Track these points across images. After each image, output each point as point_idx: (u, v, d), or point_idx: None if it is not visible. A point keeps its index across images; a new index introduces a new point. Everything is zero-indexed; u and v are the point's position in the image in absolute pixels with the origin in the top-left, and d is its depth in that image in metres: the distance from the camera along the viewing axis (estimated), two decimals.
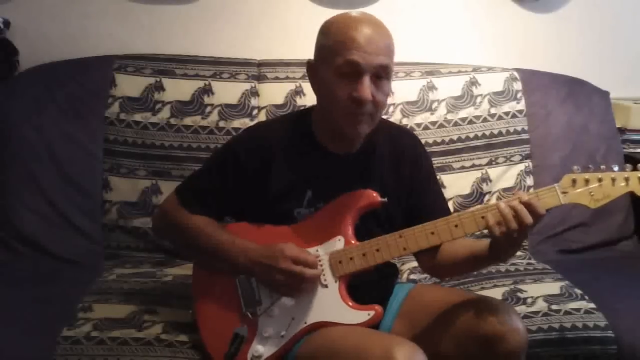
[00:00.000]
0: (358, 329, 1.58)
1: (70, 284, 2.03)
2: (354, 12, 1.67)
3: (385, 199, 1.65)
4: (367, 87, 1.57)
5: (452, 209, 2.34)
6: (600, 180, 1.52)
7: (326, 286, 1.63)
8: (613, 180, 1.52)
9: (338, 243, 1.64)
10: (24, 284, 2.02)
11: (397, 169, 1.76)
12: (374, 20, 1.63)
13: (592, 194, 1.52)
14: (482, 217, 1.54)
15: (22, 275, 2.09)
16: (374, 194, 1.65)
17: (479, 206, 1.66)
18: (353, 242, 1.64)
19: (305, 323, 1.62)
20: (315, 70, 1.67)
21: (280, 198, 1.68)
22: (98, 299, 1.93)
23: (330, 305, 1.62)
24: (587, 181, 1.52)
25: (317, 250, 1.64)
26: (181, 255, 2.24)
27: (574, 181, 1.53)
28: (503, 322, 1.55)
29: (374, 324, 1.62)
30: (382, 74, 1.59)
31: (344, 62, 1.57)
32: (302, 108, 1.94)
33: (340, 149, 1.70)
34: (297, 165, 1.70)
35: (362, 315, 1.60)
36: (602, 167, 1.54)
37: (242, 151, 1.71)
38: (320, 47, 1.65)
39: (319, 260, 1.63)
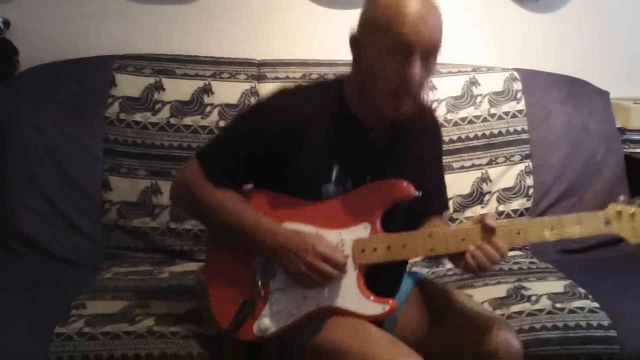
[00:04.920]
0: (367, 329, 1.53)
1: (69, 283, 2.03)
2: None
3: (419, 193, 1.57)
4: (417, 68, 1.47)
5: (451, 209, 2.36)
6: None
7: (345, 272, 1.57)
8: None
9: (364, 231, 1.57)
10: (24, 284, 2.01)
11: (422, 148, 1.71)
12: None
13: (634, 229, 1.52)
14: (518, 233, 1.53)
15: (22, 275, 2.09)
16: (410, 188, 1.57)
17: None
18: (379, 231, 1.57)
19: (318, 305, 1.57)
20: (358, 45, 1.56)
21: (307, 172, 1.59)
22: (92, 296, 1.93)
23: (346, 292, 1.56)
24: (632, 216, 1.51)
25: (340, 234, 1.58)
26: (182, 255, 2.25)
27: (619, 213, 1.52)
28: (498, 340, 1.54)
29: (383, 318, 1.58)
30: (431, 52, 1.49)
31: (393, 41, 1.47)
32: (331, 77, 1.82)
33: (374, 121, 1.61)
34: (326, 138, 1.60)
35: (377, 307, 1.55)
36: None
37: (271, 123, 1.60)
38: (365, 21, 1.53)
39: (342, 245, 1.57)
